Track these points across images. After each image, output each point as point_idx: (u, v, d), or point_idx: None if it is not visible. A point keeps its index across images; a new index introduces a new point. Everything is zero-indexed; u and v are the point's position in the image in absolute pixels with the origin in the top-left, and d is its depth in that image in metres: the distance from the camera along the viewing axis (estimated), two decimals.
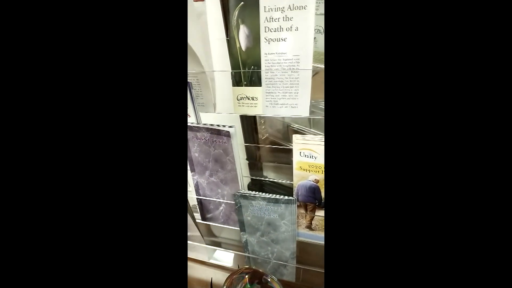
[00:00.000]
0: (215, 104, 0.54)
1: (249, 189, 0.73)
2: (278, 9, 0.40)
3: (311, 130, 0.75)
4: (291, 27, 0.41)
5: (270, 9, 0.41)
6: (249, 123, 0.68)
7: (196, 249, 0.70)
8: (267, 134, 0.83)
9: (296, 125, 0.78)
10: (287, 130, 0.81)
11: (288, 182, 0.57)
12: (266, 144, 0.80)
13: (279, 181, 0.67)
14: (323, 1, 0.52)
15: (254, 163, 0.76)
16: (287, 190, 0.68)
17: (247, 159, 0.75)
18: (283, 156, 0.73)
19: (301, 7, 0.39)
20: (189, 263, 0.73)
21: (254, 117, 0.69)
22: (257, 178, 0.73)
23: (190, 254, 0.73)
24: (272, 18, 0.41)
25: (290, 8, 0.40)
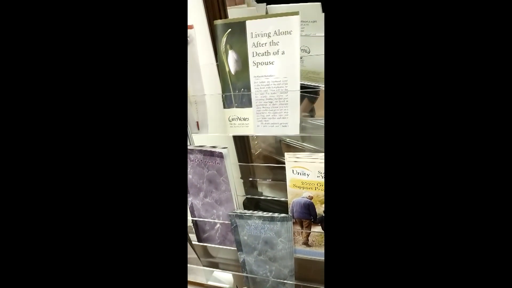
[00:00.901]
0: (199, 124, 0.54)
1: (244, 207, 0.73)
2: (265, 34, 0.42)
3: (303, 144, 0.76)
4: (277, 51, 0.43)
5: (257, 35, 0.43)
6: (242, 143, 0.69)
7: (194, 271, 0.69)
8: (260, 149, 0.84)
9: (288, 139, 0.79)
10: (280, 145, 0.82)
11: (283, 199, 0.57)
12: (259, 159, 0.81)
13: (274, 198, 0.67)
14: (308, 23, 0.55)
15: (249, 181, 0.76)
16: (283, 205, 0.68)
17: (241, 177, 0.75)
18: (278, 172, 0.74)
19: (286, 32, 0.41)
20: (188, 286, 0.72)
21: (247, 136, 0.70)
22: (253, 197, 0.73)
23: (188, 277, 0.72)
24: (259, 43, 0.43)
25: (276, 33, 0.42)
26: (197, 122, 0.54)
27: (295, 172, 0.47)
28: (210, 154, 0.51)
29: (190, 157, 0.53)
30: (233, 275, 0.70)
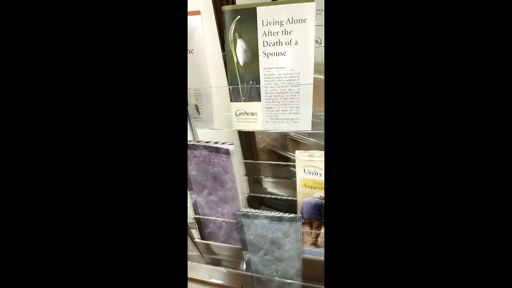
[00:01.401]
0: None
1: (249, 203, 0.71)
2: (277, 22, 0.39)
3: (310, 139, 0.73)
4: (290, 41, 0.39)
5: (268, 23, 0.39)
6: (248, 138, 0.66)
7: (196, 268, 0.67)
8: (265, 143, 0.81)
9: (293, 134, 0.76)
10: (285, 139, 0.79)
11: (290, 198, 0.55)
12: (264, 153, 0.78)
13: (281, 196, 0.65)
14: (320, 12, 0.51)
15: (254, 178, 0.74)
16: (288, 202, 0.66)
17: (246, 174, 0.73)
18: (283, 168, 0.71)
19: (300, 20, 0.38)
20: (190, 284, 0.70)
21: (253, 132, 0.67)
22: (258, 195, 0.71)
23: (190, 274, 0.70)
24: (271, 32, 0.40)
25: (289, 21, 0.38)
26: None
27: (306, 171, 0.45)
28: (216, 151, 0.48)
29: (195, 153, 0.51)
30: (237, 274, 0.69)
